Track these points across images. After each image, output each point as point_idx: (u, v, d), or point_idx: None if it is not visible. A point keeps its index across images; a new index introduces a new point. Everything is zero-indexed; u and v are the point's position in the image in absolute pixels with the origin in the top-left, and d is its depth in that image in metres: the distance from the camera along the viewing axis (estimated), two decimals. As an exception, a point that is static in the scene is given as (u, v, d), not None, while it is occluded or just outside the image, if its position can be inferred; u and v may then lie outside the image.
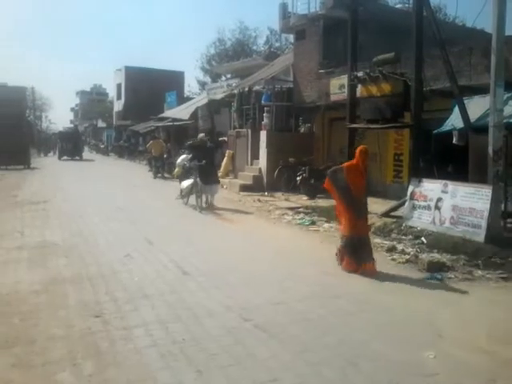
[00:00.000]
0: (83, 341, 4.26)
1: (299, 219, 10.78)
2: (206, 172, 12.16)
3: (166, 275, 6.35)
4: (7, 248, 7.72)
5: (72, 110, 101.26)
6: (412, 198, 9.61)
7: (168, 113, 33.36)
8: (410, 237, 8.80)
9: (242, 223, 10.48)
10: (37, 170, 25.41)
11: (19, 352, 4.02)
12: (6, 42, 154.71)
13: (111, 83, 57.99)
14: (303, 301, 5.39)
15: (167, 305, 5.20)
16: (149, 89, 43.16)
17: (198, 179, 12.06)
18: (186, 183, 12.70)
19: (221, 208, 12.33)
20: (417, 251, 7.81)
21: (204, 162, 12.16)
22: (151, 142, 23.07)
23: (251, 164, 17.55)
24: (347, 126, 11.89)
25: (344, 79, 13.27)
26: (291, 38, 22.88)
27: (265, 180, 16.19)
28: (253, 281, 6.13)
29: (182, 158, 14.38)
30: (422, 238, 8.52)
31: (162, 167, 21.94)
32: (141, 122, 38.82)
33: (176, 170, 14.96)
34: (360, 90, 11.36)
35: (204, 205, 12.19)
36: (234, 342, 4.26)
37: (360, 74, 11.10)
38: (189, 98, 36.61)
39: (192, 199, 12.42)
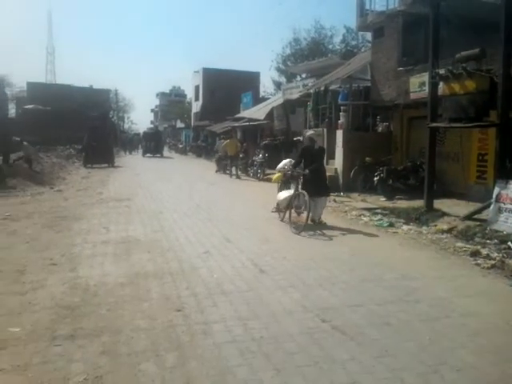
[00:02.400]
0: (165, 333, 4.42)
1: (377, 220, 10.55)
2: (313, 181, 9.69)
3: (244, 273, 6.44)
4: (94, 242, 8.15)
5: (152, 111, 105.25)
6: (498, 200, 9.13)
7: (244, 113, 33.84)
8: (496, 241, 8.35)
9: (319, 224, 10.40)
10: (120, 169, 26.62)
11: (107, 341, 4.24)
12: (92, 45, 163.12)
13: (189, 85, 59.79)
14: (383, 304, 5.27)
15: (245, 302, 5.27)
16: (225, 90, 44.11)
17: (299, 189, 9.75)
18: (284, 194, 10.26)
19: (327, 226, 9.82)
20: (503, 256, 7.41)
21: (310, 168, 9.70)
22: (227, 141, 23.46)
23: (327, 164, 17.35)
24: (428, 125, 11.48)
25: (424, 77, 12.83)
26: (368, 35, 22.47)
27: (341, 180, 16.00)
28: (330, 281, 6.08)
29: (283, 163, 11.46)
30: (509, 243, 8.06)
31: (236, 167, 22.30)
32: (218, 122, 39.70)
33: (275, 175, 11.94)
34: (442, 88, 10.91)
35: (310, 221, 9.74)
36: (312, 343, 4.25)
37: (442, 71, 10.67)
38: (264, 99, 36.95)
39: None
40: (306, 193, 9.39)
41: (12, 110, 51.63)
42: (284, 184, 11.09)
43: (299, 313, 4.96)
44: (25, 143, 19.90)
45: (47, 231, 9.09)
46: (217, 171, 24.66)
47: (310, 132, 10.92)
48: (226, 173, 23.29)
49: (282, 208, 10.34)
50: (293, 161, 10.81)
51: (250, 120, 29.60)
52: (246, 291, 5.64)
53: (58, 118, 37.29)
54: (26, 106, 43.73)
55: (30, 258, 7.01)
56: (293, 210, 9.94)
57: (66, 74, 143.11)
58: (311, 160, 9.90)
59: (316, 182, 9.75)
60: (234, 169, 22.27)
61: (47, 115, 38.95)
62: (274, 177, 12.10)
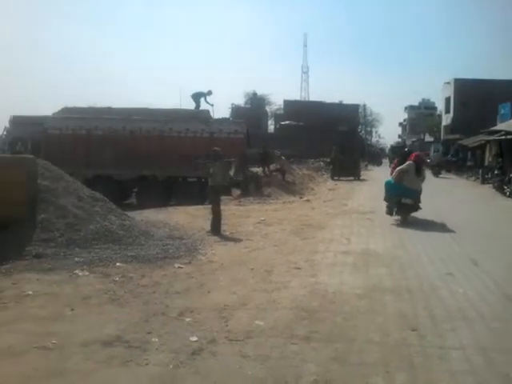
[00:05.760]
0: (398, 351, 4.32)
1: None
2: None
3: (489, 299, 5.86)
4: (335, 252, 8.43)
5: (400, 124, 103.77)
6: None
7: (501, 125, 30.69)
8: None
9: None
10: (365, 182, 26.97)
11: (339, 348, 4.35)
12: (342, 61, 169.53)
13: (440, 97, 57.22)
14: None
15: (489, 331, 4.80)
16: (479, 101, 40.88)
17: None
18: None
19: None
20: None
21: None
22: None
23: None
24: None
25: None
26: None
27: None
28: None
29: None
30: None
31: None
32: (470, 135, 36.96)
33: None
34: None
35: None
36: None
37: None
38: (530, 109, 32.91)
39: None
40: None
41: (271, 126, 57.30)
42: None
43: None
44: (282, 157, 21.76)
45: (294, 237, 9.79)
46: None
47: None
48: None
49: None
50: None
51: (508, 133, 26.70)
52: (490, 319, 5.12)
53: (309, 133, 39.79)
54: (283, 122, 47.92)
55: (277, 260, 7.67)
56: None
57: (318, 90, 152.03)
58: None
59: None
60: None
61: (300, 130, 41.95)
62: None
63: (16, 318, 4.95)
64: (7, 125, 18.28)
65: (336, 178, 27.91)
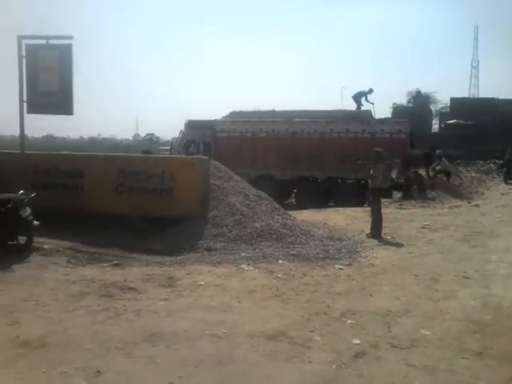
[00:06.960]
0: None
1: None
2: None
3: None
4: (511, 262, 7.68)
5: None
6: None
7: None
8: None
9: None
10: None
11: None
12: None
13: None
14: None
15: None
16: None
17: None
18: None
19: None
20: None
21: None
22: None
23: None
24: None
25: None
26: None
27: None
28: None
29: None
30: None
31: None
32: None
33: None
34: None
35: None
36: None
37: None
38: None
39: None
40: None
41: (435, 126, 54.24)
42: None
43: None
44: (443, 159, 20.40)
45: (461, 244, 9.16)
46: None
47: None
48: None
49: None
50: None
51: None
52: None
53: (479, 133, 36.89)
54: (449, 121, 45.08)
55: (444, 268, 7.25)
56: None
57: (490, 87, 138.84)
58: None
59: None
60: None
61: (468, 129, 39.10)
62: None
63: (190, 306, 5.39)
64: (183, 128, 19.92)
65: (510, 181, 25.43)
